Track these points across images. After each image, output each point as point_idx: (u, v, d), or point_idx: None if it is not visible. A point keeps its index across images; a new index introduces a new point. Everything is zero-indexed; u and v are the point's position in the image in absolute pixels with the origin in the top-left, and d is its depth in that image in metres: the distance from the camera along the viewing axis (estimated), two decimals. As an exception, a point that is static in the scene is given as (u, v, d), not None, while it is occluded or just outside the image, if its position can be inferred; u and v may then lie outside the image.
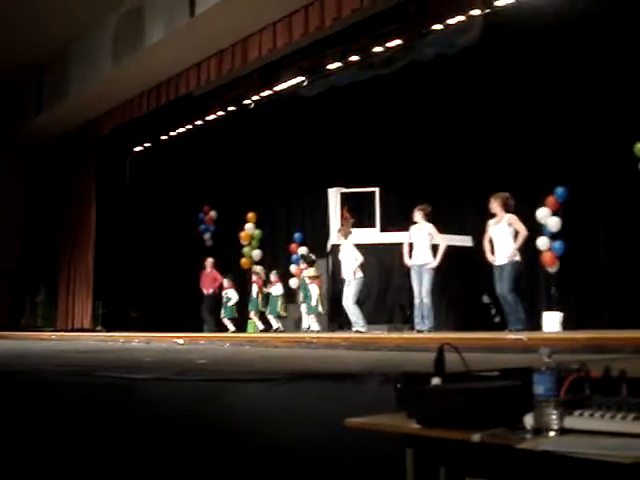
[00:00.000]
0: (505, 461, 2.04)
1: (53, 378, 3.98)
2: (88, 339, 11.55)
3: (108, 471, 3.34)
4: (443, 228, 9.43)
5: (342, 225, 10.71)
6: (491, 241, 8.58)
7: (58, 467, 3.49)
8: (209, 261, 13.88)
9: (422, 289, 9.02)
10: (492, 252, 8.53)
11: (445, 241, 9.28)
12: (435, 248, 9.20)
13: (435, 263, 9.05)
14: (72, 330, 14.70)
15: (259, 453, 2.92)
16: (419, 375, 2.63)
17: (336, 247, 10.67)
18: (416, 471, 2.27)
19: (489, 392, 2.05)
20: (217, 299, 13.63)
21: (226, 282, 13.40)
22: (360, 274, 9.78)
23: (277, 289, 12.71)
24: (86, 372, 3.88)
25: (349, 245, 9.97)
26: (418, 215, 9.31)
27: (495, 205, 8.53)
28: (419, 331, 8.94)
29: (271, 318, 12.69)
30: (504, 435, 1.90)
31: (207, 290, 13.68)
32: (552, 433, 1.86)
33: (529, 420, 1.92)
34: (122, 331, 12.44)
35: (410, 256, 9.22)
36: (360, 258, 9.78)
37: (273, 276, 12.90)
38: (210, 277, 13.76)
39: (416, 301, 9.13)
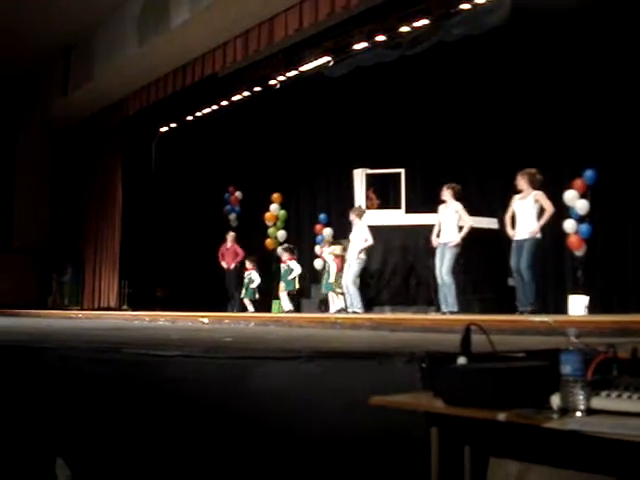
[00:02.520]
0: (530, 441, 2.05)
1: (80, 355, 4.02)
2: (114, 318, 11.68)
3: (133, 447, 3.38)
4: (468, 210, 9.37)
5: (371, 206, 10.74)
6: (513, 217, 8.53)
7: (84, 442, 3.53)
8: (230, 235, 13.87)
9: (442, 268, 8.99)
10: (513, 227, 8.49)
11: (471, 221, 9.23)
12: (462, 229, 9.17)
13: (457, 240, 9.00)
14: (98, 309, 14.88)
15: (283, 431, 2.94)
16: (444, 354, 2.63)
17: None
18: (441, 450, 2.28)
19: (517, 372, 2.05)
20: (240, 274, 13.62)
21: (248, 263, 13.39)
22: (364, 256, 9.80)
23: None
24: (114, 349, 3.92)
25: (362, 226, 9.99)
26: (447, 193, 9.25)
27: (522, 182, 8.48)
28: (442, 313, 8.93)
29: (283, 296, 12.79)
30: (531, 415, 1.90)
31: (228, 265, 13.69)
32: (579, 413, 1.86)
33: (556, 400, 1.91)
34: (148, 310, 12.55)
35: (438, 236, 9.20)
36: (370, 241, 9.80)
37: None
38: (231, 251, 13.71)
39: (438, 281, 9.11)
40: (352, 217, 10.31)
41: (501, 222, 10.30)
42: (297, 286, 12.78)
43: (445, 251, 9.03)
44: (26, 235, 16.41)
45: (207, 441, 3.13)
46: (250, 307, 13.19)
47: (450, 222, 9.16)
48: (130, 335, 6.10)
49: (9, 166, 16.44)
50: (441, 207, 9.34)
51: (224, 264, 13.68)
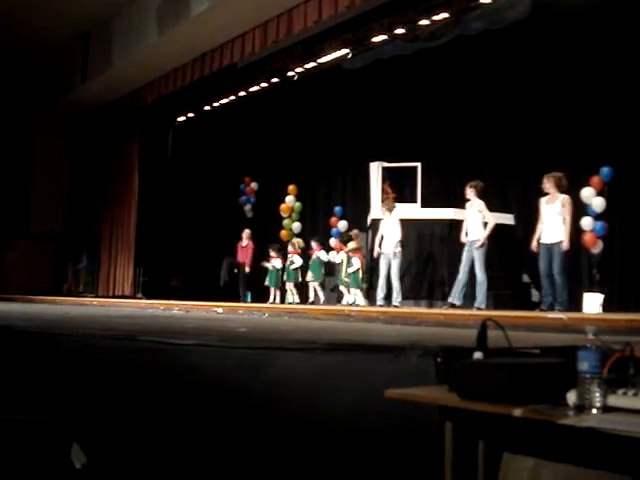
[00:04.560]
0: (545, 437, 2.05)
1: (97, 342, 4.05)
2: (129, 306, 11.74)
3: (148, 434, 3.40)
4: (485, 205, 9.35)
5: (384, 199, 10.71)
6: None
7: (100, 428, 3.56)
8: (246, 232, 13.94)
9: (475, 266, 8.97)
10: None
11: (494, 219, 9.22)
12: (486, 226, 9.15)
13: (482, 240, 8.99)
14: (113, 297, 14.95)
15: (297, 421, 2.95)
16: (460, 349, 2.64)
17: (376, 221, 10.66)
18: (455, 444, 2.28)
19: (534, 368, 2.05)
20: (251, 272, 13.65)
21: (290, 247, 13.40)
22: (399, 248, 9.81)
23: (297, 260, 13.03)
24: (130, 337, 3.95)
25: (394, 219, 9.97)
26: (470, 192, 9.24)
27: (549, 185, 8.44)
28: (452, 306, 8.94)
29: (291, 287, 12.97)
30: (546, 411, 1.90)
31: (242, 261, 13.74)
32: (595, 410, 1.86)
33: (572, 397, 1.91)
34: (162, 299, 12.61)
35: (467, 234, 9.18)
36: (400, 234, 9.80)
37: (291, 247, 13.23)
38: (245, 250, 13.82)
39: (459, 276, 9.09)
40: (383, 211, 10.29)
41: (517, 218, 10.30)
42: (300, 279, 13.01)
43: (473, 250, 9.01)
44: (43, 222, 16.53)
45: (221, 429, 3.15)
46: (294, 294, 13.14)
47: (474, 220, 9.14)
48: (145, 323, 6.13)
49: (28, 153, 16.55)
50: (467, 205, 9.34)
51: (240, 260, 13.74)
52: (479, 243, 8.96)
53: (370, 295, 11.14)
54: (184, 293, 13.90)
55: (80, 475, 2.96)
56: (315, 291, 12.74)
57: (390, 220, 10.01)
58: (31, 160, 16.63)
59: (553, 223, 8.35)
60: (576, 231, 9.41)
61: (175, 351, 3.52)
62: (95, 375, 3.80)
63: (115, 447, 3.40)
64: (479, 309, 8.65)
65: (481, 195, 9.24)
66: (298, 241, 13.64)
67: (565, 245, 8.24)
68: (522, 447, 2.20)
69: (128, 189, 15.60)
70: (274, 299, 13.26)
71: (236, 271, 13.73)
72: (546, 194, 8.51)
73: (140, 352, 3.70)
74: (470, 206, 9.28)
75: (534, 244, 8.50)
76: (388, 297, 9.88)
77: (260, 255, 13.69)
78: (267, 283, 13.36)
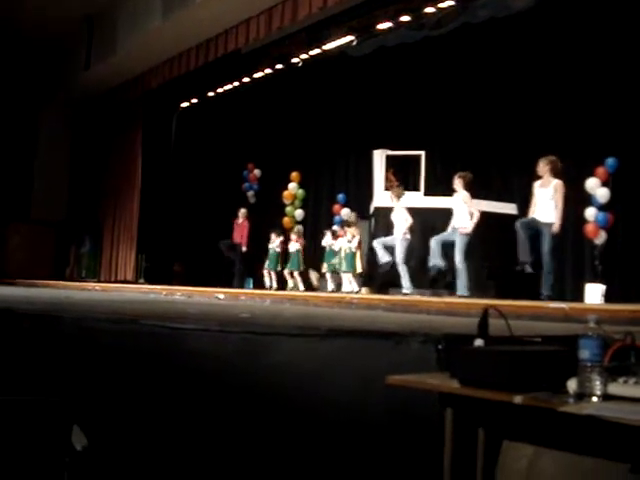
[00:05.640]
0: (545, 425, 2.05)
1: (99, 325, 4.06)
2: (131, 291, 11.76)
3: (149, 417, 3.42)
4: (488, 194, 9.35)
5: (390, 187, 10.74)
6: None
7: (100, 410, 3.58)
8: (242, 211, 13.87)
9: (455, 253, 9.05)
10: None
11: (479, 208, 9.27)
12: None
13: (469, 229, 9.03)
14: (115, 282, 14.98)
15: (298, 407, 2.96)
16: (461, 336, 2.64)
17: (379, 209, 10.67)
18: (454, 431, 2.29)
19: (535, 355, 2.05)
20: (248, 252, 13.60)
21: (293, 236, 13.30)
22: (409, 236, 9.86)
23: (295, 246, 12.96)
24: (131, 320, 3.95)
25: (401, 207, 10.03)
26: (458, 183, 9.29)
27: (544, 169, 8.41)
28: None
29: (294, 274, 12.89)
30: (547, 399, 1.91)
31: (238, 241, 13.68)
32: (595, 398, 1.86)
33: (572, 385, 1.92)
34: (164, 284, 12.62)
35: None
36: (410, 220, 9.87)
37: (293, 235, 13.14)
38: (240, 228, 13.76)
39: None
40: (392, 199, 10.32)
41: (520, 208, 10.27)
42: (301, 267, 12.91)
43: (455, 236, 9.08)
44: (45, 206, 16.55)
45: (222, 414, 3.16)
46: (298, 280, 13.02)
47: (461, 210, 9.22)
48: (147, 308, 6.14)
49: (31, 137, 16.55)
50: (454, 195, 9.40)
51: (236, 240, 13.67)
52: (464, 230, 9.01)
53: (369, 282, 11.16)
54: (186, 279, 13.91)
55: (80, 457, 2.97)
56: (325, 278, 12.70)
57: (398, 207, 10.08)
58: (34, 145, 16.63)
59: (545, 206, 8.38)
60: (579, 221, 9.41)
61: (176, 335, 3.52)
62: (96, 358, 3.81)
63: (116, 429, 3.42)
64: (461, 296, 8.73)
65: (468, 186, 9.27)
66: (299, 228, 13.65)
67: (556, 227, 8.27)
68: (522, 435, 2.20)
69: (131, 174, 15.59)
70: (270, 283, 13.21)
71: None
72: (539, 177, 8.50)
73: (142, 336, 3.71)
74: (457, 196, 9.34)
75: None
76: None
77: (258, 237, 13.65)
78: (266, 266, 13.35)
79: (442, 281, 10.17)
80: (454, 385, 2.14)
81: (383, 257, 10.17)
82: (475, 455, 2.35)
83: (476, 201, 9.59)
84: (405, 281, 9.73)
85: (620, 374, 1.92)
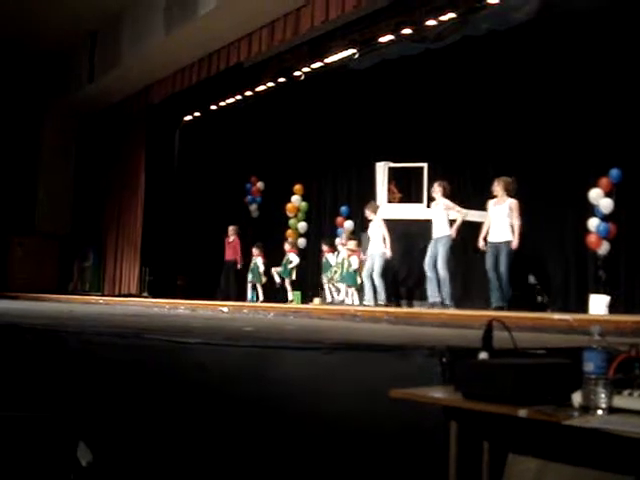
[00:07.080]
0: (550, 438, 2.04)
1: (103, 340, 4.06)
2: (135, 304, 11.75)
3: (154, 432, 3.41)
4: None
5: (393, 199, 10.84)
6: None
7: (106, 426, 3.57)
8: (232, 228, 13.95)
9: (437, 262, 9.22)
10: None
11: (461, 215, 9.51)
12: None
13: (452, 234, 9.31)
14: (119, 295, 14.97)
15: (302, 420, 2.95)
16: (465, 349, 2.63)
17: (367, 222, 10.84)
18: (459, 445, 2.28)
19: (539, 368, 2.05)
20: (236, 269, 13.77)
21: (287, 246, 13.47)
22: (389, 253, 9.97)
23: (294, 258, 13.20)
24: (135, 335, 3.95)
25: (378, 221, 10.16)
26: (438, 191, 9.56)
27: (498, 188, 8.92)
28: (433, 305, 9.09)
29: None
30: (552, 412, 1.90)
31: (231, 258, 13.80)
32: (600, 411, 1.86)
33: (577, 398, 1.91)
34: (167, 298, 12.62)
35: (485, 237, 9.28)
36: (388, 239, 9.98)
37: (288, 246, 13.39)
38: (232, 246, 13.85)
39: (428, 275, 9.34)
40: (368, 213, 10.47)
41: (523, 220, 10.27)
42: (294, 277, 13.19)
43: (437, 246, 9.31)
44: (49, 220, 16.57)
45: (226, 427, 3.15)
46: (290, 293, 13.22)
47: (440, 218, 9.47)
48: (151, 322, 6.14)
49: (34, 151, 16.58)
50: (432, 204, 9.75)
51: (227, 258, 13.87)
52: (446, 239, 9.28)
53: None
54: (190, 292, 13.91)
55: (86, 473, 2.97)
56: (330, 292, 12.73)
57: (375, 222, 10.23)
58: (38, 158, 16.67)
59: (500, 224, 8.80)
60: (582, 232, 9.42)
61: (180, 349, 3.52)
62: (101, 373, 3.81)
63: (121, 445, 3.41)
64: (445, 305, 8.98)
65: (447, 195, 9.57)
66: (294, 240, 13.78)
67: (514, 244, 8.68)
68: (527, 448, 2.20)
69: (135, 188, 15.62)
70: (253, 296, 13.40)
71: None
72: (494, 197, 8.97)
73: (146, 350, 3.71)
74: (435, 205, 9.60)
75: (481, 243, 8.94)
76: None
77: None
78: (249, 279, 13.53)
79: (418, 291, 10.30)
80: (458, 399, 2.14)
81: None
82: (480, 469, 2.35)
83: (479, 212, 9.64)
84: (382, 295, 9.88)
85: (625, 386, 1.91)
